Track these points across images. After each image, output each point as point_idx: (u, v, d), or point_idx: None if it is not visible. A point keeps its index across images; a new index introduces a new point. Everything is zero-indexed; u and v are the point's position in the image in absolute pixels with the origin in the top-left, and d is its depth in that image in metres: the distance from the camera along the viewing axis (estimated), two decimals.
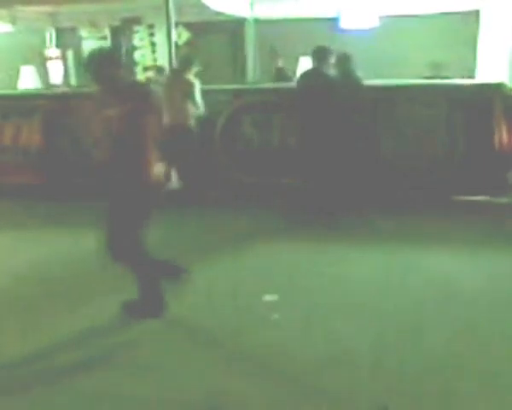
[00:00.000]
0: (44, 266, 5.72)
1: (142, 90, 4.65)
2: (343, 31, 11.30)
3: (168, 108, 7.11)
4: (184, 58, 7.78)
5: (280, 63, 10.99)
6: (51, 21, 11.84)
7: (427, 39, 11.54)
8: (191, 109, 7.36)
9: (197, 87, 7.36)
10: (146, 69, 11.61)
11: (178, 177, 7.59)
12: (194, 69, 7.47)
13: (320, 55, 7.07)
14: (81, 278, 5.38)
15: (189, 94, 7.33)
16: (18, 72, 11.41)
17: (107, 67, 4.29)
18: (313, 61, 7.14)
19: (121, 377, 3.78)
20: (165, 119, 7.33)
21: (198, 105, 7.37)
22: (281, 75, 10.73)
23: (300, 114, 7.14)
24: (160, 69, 8.98)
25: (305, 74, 7.29)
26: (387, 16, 11.06)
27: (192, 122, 7.41)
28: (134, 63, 11.83)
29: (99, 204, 4.34)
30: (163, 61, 10.29)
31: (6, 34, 11.61)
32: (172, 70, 7.98)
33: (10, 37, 11.46)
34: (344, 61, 7.32)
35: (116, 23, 11.92)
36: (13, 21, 11.02)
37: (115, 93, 4.32)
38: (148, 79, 11.13)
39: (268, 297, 4.96)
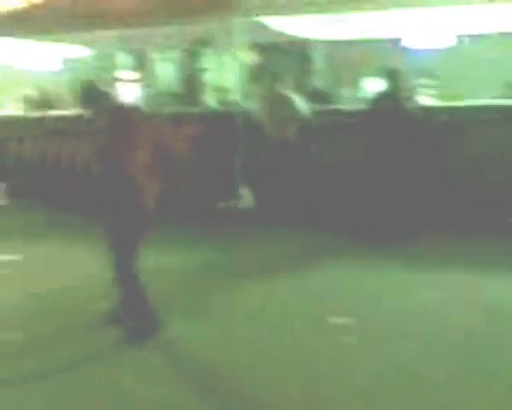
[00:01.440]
0: None
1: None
2: (412, 51, 11.29)
3: (268, 123, 7.40)
4: (277, 74, 8.02)
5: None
6: (126, 44, 12.29)
7: (502, 59, 11.33)
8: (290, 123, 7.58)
9: (295, 101, 7.57)
10: (215, 91, 11.87)
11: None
12: (287, 84, 7.73)
13: (391, 76, 7.13)
14: None
15: (285, 108, 7.58)
16: None
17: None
18: (385, 83, 7.21)
19: None
20: (267, 133, 7.64)
21: (298, 119, 7.57)
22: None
23: (373, 134, 7.19)
24: None
25: (379, 96, 7.35)
26: (458, 35, 10.94)
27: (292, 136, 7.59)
28: (204, 85, 12.13)
29: None
30: (231, 82, 10.55)
31: (84, 58, 12.14)
32: (268, 87, 8.20)
33: (88, 60, 11.95)
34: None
35: (186, 45, 12.27)
36: (91, 45, 11.52)
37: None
38: (218, 101, 11.41)
39: (336, 319, 5.01)
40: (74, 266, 6.49)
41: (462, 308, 5.13)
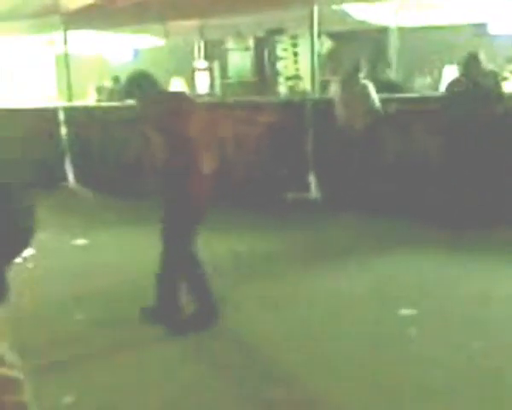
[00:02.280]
0: None
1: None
2: (491, 36, 10.87)
3: (344, 112, 7.37)
4: (354, 62, 7.92)
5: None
6: (199, 34, 12.38)
7: None
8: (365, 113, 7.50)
9: (371, 90, 7.50)
10: (288, 79, 11.79)
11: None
12: (363, 72, 7.66)
13: (468, 62, 6.89)
14: None
15: (362, 97, 7.51)
16: (167, 83, 12.05)
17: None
18: (461, 69, 6.98)
19: None
20: (342, 122, 7.62)
21: (374, 108, 7.49)
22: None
23: (449, 122, 6.99)
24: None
25: (454, 83, 7.14)
26: None
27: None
28: (277, 74, 12.06)
29: None
30: (305, 71, 10.45)
31: (158, 48, 12.30)
32: (344, 75, 8.12)
33: (162, 50, 12.12)
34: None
35: (260, 34, 12.23)
36: (166, 35, 11.66)
37: None
38: (291, 89, 11.33)
39: (404, 311, 4.91)
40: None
41: None
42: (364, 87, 7.61)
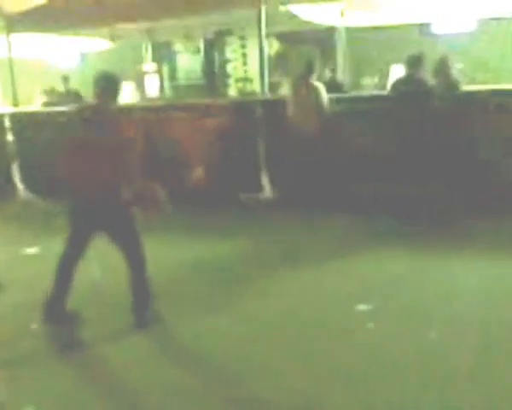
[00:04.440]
0: None
1: None
2: (435, 36, 11.13)
3: (295, 112, 7.41)
4: (307, 63, 7.97)
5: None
6: (148, 37, 12.29)
7: None
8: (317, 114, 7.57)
9: (322, 91, 7.57)
10: (238, 81, 11.83)
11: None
12: (316, 74, 7.73)
13: (414, 61, 7.08)
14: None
15: (313, 98, 7.57)
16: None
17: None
18: (407, 68, 7.14)
19: None
20: (294, 123, 7.67)
21: (325, 109, 7.57)
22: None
23: (396, 120, 7.15)
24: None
25: (400, 81, 7.31)
26: (483, 19, 10.77)
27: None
28: (226, 75, 12.08)
29: None
30: (254, 72, 10.49)
31: (106, 51, 12.16)
32: (297, 76, 8.18)
33: (109, 53, 11.98)
34: (442, 65, 7.24)
35: (209, 36, 12.24)
36: (112, 38, 11.53)
37: None
38: (240, 91, 11.36)
39: (363, 306, 4.98)
40: None
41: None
42: (316, 88, 7.69)
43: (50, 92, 11.86)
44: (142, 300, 4.91)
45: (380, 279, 5.58)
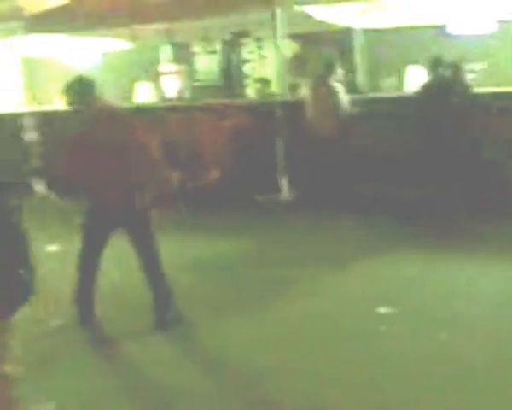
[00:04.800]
0: None
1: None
2: (452, 37, 11.09)
3: (314, 114, 7.45)
4: (326, 64, 8.00)
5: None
6: (166, 38, 12.37)
7: None
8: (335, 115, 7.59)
9: (341, 92, 7.59)
10: (256, 82, 11.87)
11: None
12: (337, 74, 7.74)
13: (435, 63, 7.10)
14: None
15: (332, 99, 7.60)
16: (133, 87, 12.03)
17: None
18: (430, 70, 7.17)
19: None
20: (312, 124, 7.71)
21: (343, 110, 7.59)
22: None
23: (422, 123, 7.16)
24: None
25: (429, 85, 7.33)
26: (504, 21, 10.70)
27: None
28: (244, 76, 12.13)
29: None
30: (272, 73, 10.53)
31: (125, 51, 12.25)
32: (316, 77, 8.21)
33: (129, 54, 12.08)
34: (456, 70, 7.25)
35: (227, 37, 12.29)
36: (132, 39, 11.62)
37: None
38: (258, 91, 11.40)
39: (381, 309, 4.99)
40: None
41: None
42: (335, 89, 7.71)
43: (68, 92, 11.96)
44: (162, 301, 4.95)
45: (397, 281, 5.60)
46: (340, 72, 7.94)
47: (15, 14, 10.51)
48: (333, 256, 6.44)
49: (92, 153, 4.75)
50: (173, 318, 4.97)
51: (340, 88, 7.76)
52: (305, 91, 8.23)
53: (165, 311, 4.94)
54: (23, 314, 5.21)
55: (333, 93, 7.73)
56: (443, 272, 5.74)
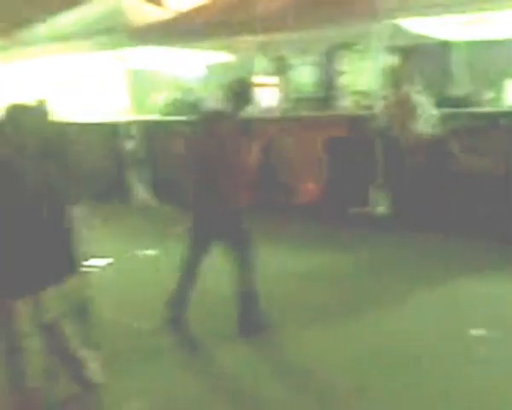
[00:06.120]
0: None
1: None
2: None
3: (399, 127, 7.39)
4: (409, 78, 7.94)
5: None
6: (265, 50, 12.54)
7: None
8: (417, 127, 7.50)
9: (426, 105, 7.49)
10: (353, 94, 11.83)
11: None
12: (416, 87, 7.66)
13: None
14: None
15: (412, 111, 7.52)
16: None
17: None
18: None
19: None
20: (399, 137, 7.63)
21: (428, 124, 7.49)
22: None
23: None
24: None
25: None
26: None
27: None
28: (342, 88, 12.13)
29: None
30: (370, 85, 10.45)
31: (225, 64, 12.54)
32: (393, 90, 8.15)
33: (229, 66, 12.34)
34: None
35: (325, 49, 12.33)
36: (233, 51, 11.88)
37: None
38: (356, 104, 11.35)
39: (474, 331, 4.85)
40: None
41: None
42: (413, 101, 7.57)
43: (172, 103, 12.39)
44: (248, 308, 5.01)
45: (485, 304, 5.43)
46: (419, 85, 7.78)
47: (123, 28, 10.98)
48: (426, 273, 6.32)
49: (208, 160, 4.86)
50: (260, 326, 5.00)
51: (423, 101, 7.59)
52: (390, 104, 8.10)
53: (250, 318, 4.99)
54: (115, 315, 5.48)
55: (414, 106, 7.58)
56: None
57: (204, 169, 4.90)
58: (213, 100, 9.76)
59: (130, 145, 10.94)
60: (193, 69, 13.56)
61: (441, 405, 3.86)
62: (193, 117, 5.03)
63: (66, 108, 10.99)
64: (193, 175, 5.04)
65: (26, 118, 5.12)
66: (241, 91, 4.99)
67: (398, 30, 9.87)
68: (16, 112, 4.26)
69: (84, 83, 14.08)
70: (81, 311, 5.60)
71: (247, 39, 11.18)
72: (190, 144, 5.21)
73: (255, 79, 12.56)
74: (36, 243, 3.62)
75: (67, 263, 3.77)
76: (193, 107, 10.67)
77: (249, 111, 11.87)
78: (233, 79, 5.07)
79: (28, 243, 3.60)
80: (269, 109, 11.68)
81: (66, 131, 9.52)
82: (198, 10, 11.00)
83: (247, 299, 4.98)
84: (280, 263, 6.75)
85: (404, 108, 7.73)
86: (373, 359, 4.51)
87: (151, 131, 10.69)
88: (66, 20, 12.49)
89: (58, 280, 3.72)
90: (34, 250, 3.61)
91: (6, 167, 3.66)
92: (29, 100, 5.71)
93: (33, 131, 5.58)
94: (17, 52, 12.59)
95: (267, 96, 12.25)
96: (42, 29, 12.70)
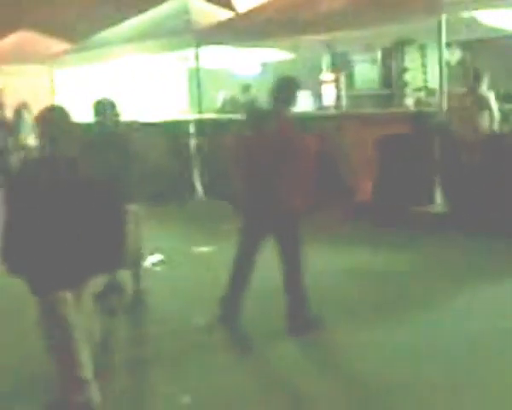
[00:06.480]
0: None
1: None
2: None
3: (460, 124, 7.22)
4: (474, 73, 7.76)
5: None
6: (327, 47, 12.46)
7: None
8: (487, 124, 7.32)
9: (492, 100, 7.32)
10: (416, 91, 11.61)
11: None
12: (486, 83, 7.47)
13: None
14: None
15: (483, 108, 7.33)
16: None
17: None
18: None
19: None
20: (460, 135, 7.47)
21: (495, 119, 7.32)
22: None
23: None
24: None
25: None
26: None
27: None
28: (405, 85, 11.91)
29: None
30: (434, 82, 10.22)
31: (286, 61, 12.53)
32: (467, 86, 7.98)
33: (289, 63, 12.33)
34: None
35: (388, 45, 12.13)
36: (294, 49, 11.86)
37: None
38: (418, 101, 11.14)
39: None
40: None
41: None
42: (482, 98, 7.34)
43: (230, 101, 12.49)
44: (297, 306, 4.97)
45: None
46: (486, 80, 7.52)
47: (188, 29, 11.14)
48: (484, 272, 6.12)
49: (259, 158, 4.87)
50: (310, 324, 4.96)
51: (490, 98, 7.35)
52: (453, 101, 7.87)
53: (299, 317, 4.95)
54: (167, 310, 5.53)
55: (481, 103, 7.34)
56: None
57: (255, 168, 4.89)
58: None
59: (191, 144, 11.07)
60: (253, 68, 13.61)
61: None
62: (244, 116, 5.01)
63: (132, 108, 11.21)
64: (244, 174, 5.04)
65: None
66: (286, 90, 4.97)
67: (467, 23, 9.60)
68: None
69: (148, 83, 14.35)
70: (135, 304, 5.74)
71: (310, 37, 11.13)
72: (240, 143, 5.23)
73: (318, 77, 12.53)
74: (88, 234, 3.67)
75: (117, 256, 3.82)
76: (251, 105, 10.70)
77: (309, 109, 11.94)
78: (278, 78, 5.06)
79: (81, 234, 3.66)
80: (330, 107, 11.59)
81: (128, 130, 9.73)
82: (261, 10, 11.02)
83: (295, 298, 4.95)
84: (335, 261, 6.69)
85: (472, 105, 7.51)
86: (431, 356, 4.41)
87: (210, 129, 10.78)
88: (134, 22, 12.77)
89: (105, 271, 3.77)
90: (86, 241, 3.66)
91: (70, 162, 3.74)
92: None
93: (98, 130, 5.75)
94: (89, 55, 12.92)
95: (329, 94, 12.16)
96: (111, 32, 13.02)
